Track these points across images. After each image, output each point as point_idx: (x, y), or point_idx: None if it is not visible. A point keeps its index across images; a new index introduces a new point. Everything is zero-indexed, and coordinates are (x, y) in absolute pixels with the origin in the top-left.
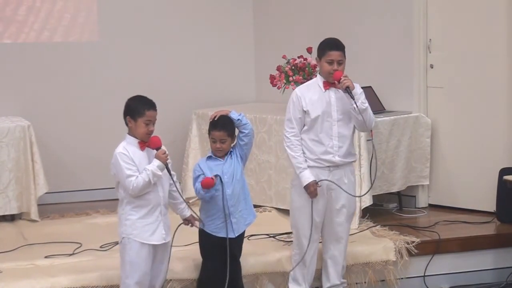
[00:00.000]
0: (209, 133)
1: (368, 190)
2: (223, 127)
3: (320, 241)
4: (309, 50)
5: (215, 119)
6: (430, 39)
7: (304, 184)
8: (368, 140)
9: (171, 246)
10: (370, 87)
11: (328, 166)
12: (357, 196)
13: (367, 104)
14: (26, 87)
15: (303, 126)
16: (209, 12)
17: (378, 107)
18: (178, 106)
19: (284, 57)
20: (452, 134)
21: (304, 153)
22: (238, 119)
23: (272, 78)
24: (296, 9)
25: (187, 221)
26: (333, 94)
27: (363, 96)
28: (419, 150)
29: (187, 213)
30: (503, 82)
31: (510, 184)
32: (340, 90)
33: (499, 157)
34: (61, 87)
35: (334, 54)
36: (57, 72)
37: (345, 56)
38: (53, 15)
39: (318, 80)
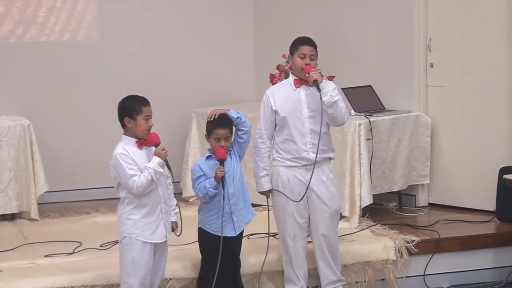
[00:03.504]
0: (210, 133)
1: (304, 195)
2: (226, 125)
3: (311, 241)
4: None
5: (215, 117)
6: (430, 38)
7: (260, 191)
8: (368, 139)
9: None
10: (370, 86)
11: (305, 165)
12: (297, 201)
13: (336, 98)
14: (26, 86)
15: (275, 127)
16: (209, 11)
17: (378, 106)
18: (178, 105)
19: (284, 56)
20: (452, 133)
21: (280, 154)
22: (238, 117)
23: (272, 77)
24: (296, 8)
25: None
26: (303, 92)
27: (335, 92)
28: (419, 149)
29: (173, 218)
30: (503, 81)
31: (510, 183)
32: (310, 88)
33: (499, 156)
34: (61, 86)
35: (306, 49)
36: (57, 72)
37: (317, 54)
38: (52, 15)
39: (290, 79)
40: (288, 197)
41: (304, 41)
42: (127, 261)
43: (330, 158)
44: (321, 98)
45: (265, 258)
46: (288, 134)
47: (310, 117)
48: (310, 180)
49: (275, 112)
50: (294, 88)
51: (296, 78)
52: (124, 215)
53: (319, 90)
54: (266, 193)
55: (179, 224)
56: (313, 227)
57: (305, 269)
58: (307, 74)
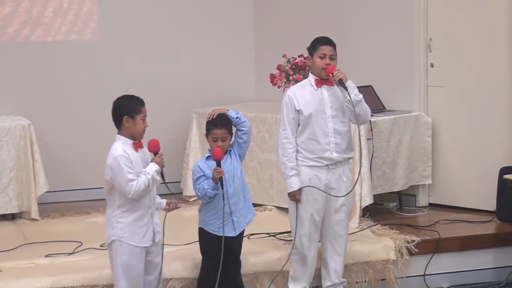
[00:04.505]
0: (208, 132)
1: (349, 192)
2: (223, 125)
3: (319, 240)
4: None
5: (213, 117)
6: (430, 38)
7: (289, 191)
8: (368, 139)
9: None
10: (371, 86)
11: (327, 165)
12: (338, 196)
13: (361, 96)
14: (26, 86)
15: (298, 127)
16: (209, 11)
17: (378, 106)
18: (178, 105)
19: (284, 56)
20: (452, 133)
21: (302, 154)
22: (237, 117)
23: (272, 77)
24: (296, 8)
25: (168, 206)
26: (325, 91)
27: (356, 90)
28: (420, 149)
29: (163, 202)
30: (503, 81)
31: (510, 183)
32: (332, 87)
33: (500, 156)
34: (61, 86)
35: (326, 49)
36: (57, 71)
37: (336, 53)
38: (53, 14)
39: (310, 79)
40: (328, 193)
41: (324, 41)
42: (117, 264)
43: (349, 158)
44: (349, 96)
45: (288, 259)
46: (311, 134)
47: (333, 117)
48: (358, 178)
49: (299, 112)
50: (316, 88)
51: (317, 78)
52: (114, 219)
53: (345, 89)
54: (296, 193)
55: (161, 228)
56: (328, 227)
57: (313, 270)
58: (330, 75)
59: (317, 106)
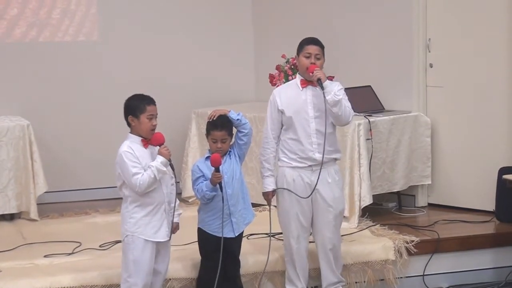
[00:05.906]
0: (208, 133)
1: (312, 192)
2: (223, 127)
3: (312, 241)
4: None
5: (214, 118)
6: (429, 39)
7: (263, 191)
8: (367, 140)
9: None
10: (370, 86)
11: (310, 165)
12: (305, 198)
13: (340, 97)
14: (25, 86)
15: (282, 126)
16: (208, 11)
17: (377, 107)
18: (177, 105)
19: (283, 56)
20: (452, 134)
21: (286, 155)
22: (238, 119)
23: (271, 77)
24: (296, 8)
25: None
26: (310, 92)
27: (341, 92)
28: (420, 150)
29: (176, 219)
30: (502, 81)
31: (509, 183)
32: (317, 88)
33: (499, 156)
34: (60, 86)
35: (311, 48)
36: (56, 71)
37: (323, 54)
38: (51, 13)
39: (296, 79)
40: (296, 194)
41: (310, 40)
42: (128, 260)
43: (335, 159)
44: (324, 95)
45: (268, 259)
46: (294, 134)
47: (316, 117)
48: (318, 180)
49: (281, 111)
50: (301, 89)
51: (303, 78)
52: (127, 214)
53: (322, 88)
54: (269, 194)
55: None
56: (317, 229)
57: (306, 270)
58: (310, 74)
59: (300, 107)
